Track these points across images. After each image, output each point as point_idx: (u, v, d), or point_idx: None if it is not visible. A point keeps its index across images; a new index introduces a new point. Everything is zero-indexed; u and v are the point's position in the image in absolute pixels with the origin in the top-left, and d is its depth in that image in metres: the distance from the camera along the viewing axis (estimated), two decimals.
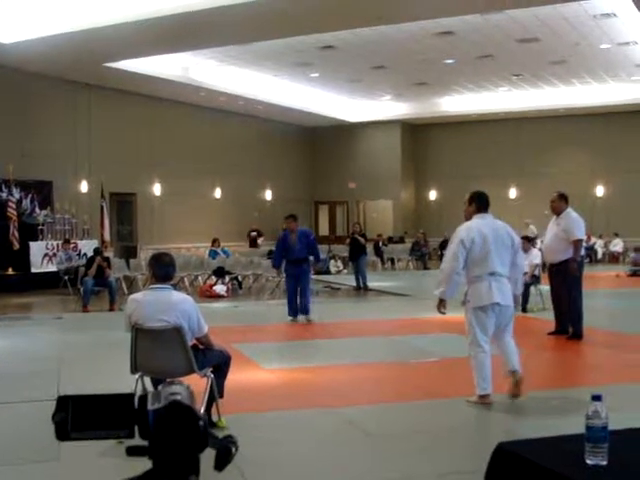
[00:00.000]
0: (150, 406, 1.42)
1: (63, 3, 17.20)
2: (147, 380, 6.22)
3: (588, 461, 2.66)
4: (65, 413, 1.43)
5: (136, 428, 1.43)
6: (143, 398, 1.43)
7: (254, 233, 29.93)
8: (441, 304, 6.97)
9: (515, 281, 7.01)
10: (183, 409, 1.40)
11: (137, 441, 1.52)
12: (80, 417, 1.43)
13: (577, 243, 10.41)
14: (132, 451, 1.43)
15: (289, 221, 13.72)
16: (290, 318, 13.40)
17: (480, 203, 7.10)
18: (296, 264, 13.43)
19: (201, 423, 1.39)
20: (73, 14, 17.45)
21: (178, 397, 1.42)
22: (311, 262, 13.92)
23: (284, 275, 14.59)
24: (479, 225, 6.91)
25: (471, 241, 6.76)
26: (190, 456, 1.40)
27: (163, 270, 6.10)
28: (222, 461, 1.43)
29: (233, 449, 1.46)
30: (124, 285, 18.23)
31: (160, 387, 1.50)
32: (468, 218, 7.11)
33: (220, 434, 1.49)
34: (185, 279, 19.05)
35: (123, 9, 16.90)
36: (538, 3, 17.10)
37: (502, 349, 6.97)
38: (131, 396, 1.45)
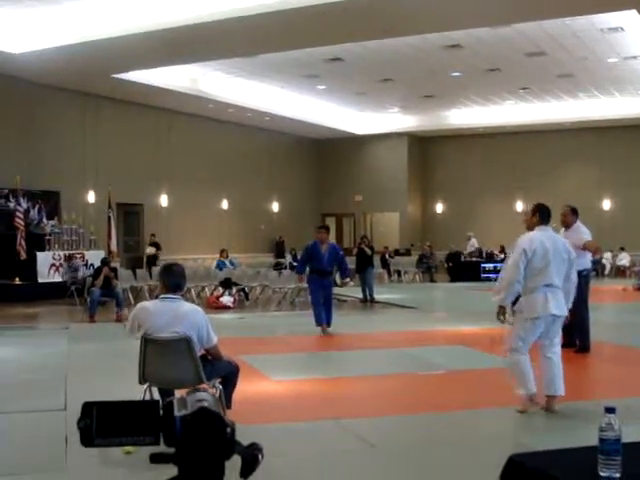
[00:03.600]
0: (177, 413, 1.42)
1: (72, 14, 17.26)
2: (155, 390, 6.22)
3: (601, 473, 2.65)
4: (90, 419, 1.43)
5: (161, 435, 1.43)
6: (169, 405, 1.43)
7: (152, 248, 24.48)
8: (501, 312, 6.99)
9: (567, 294, 7.05)
10: (211, 416, 1.40)
11: (155, 448, 1.52)
12: (105, 423, 1.43)
13: (589, 244, 10.38)
14: (156, 458, 1.42)
15: (322, 232, 13.76)
16: (320, 328, 13.19)
17: (543, 215, 7.18)
18: (323, 275, 13.42)
19: (228, 430, 1.39)
20: (82, 25, 17.53)
21: (205, 404, 1.42)
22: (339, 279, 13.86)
23: (306, 285, 14.53)
24: (541, 237, 6.97)
25: (533, 252, 6.82)
26: (216, 463, 1.40)
27: (174, 280, 6.11)
28: (248, 468, 1.43)
29: (259, 456, 1.46)
30: (131, 296, 18.24)
31: (186, 394, 1.50)
32: (530, 229, 7.21)
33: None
34: (192, 290, 19.05)
35: (132, 20, 16.97)
36: (546, 17, 17.13)
37: (549, 364, 6.99)
38: (156, 403, 1.45)
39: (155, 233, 25.29)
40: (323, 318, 13.30)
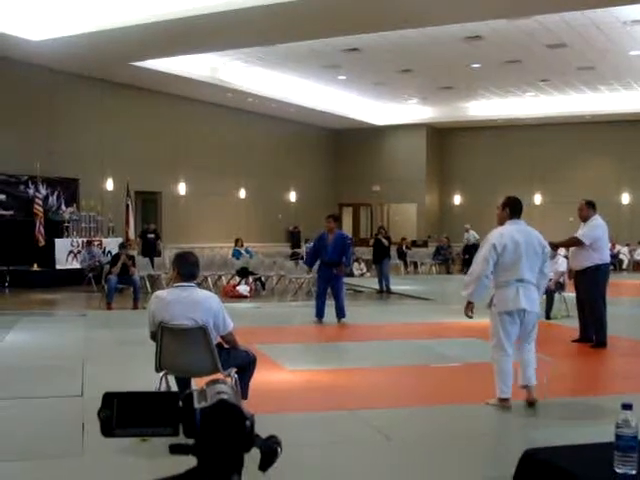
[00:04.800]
0: (197, 404, 1.43)
1: (91, 1, 17.30)
2: (171, 379, 6.25)
3: (617, 470, 2.65)
4: (110, 410, 1.44)
5: (181, 426, 1.44)
6: (189, 396, 1.44)
7: (152, 235, 22.31)
8: (469, 307, 6.99)
9: (538, 287, 7.04)
10: (230, 408, 1.41)
11: (171, 439, 1.53)
12: (125, 414, 1.44)
13: (573, 239, 10.36)
14: (175, 449, 1.43)
15: (328, 221, 13.54)
16: (315, 319, 13.34)
17: (513, 209, 7.13)
18: (329, 266, 13.27)
19: (248, 423, 1.40)
20: (101, 13, 17.55)
21: (225, 396, 1.43)
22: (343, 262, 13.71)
23: (315, 275, 14.48)
24: (511, 231, 6.93)
25: (503, 247, 6.78)
26: (236, 455, 1.41)
27: (188, 268, 6.13)
28: (267, 461, 1.44)
29: (279, 450, 1.47)
30: (148, 284, 18.28)
31: (205, 386, 1.51)
32: (501, 223, 7.13)
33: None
34: (209, 279, 19.10)
35: (151, 8, 16.98)
36: (567, 9, 17.01)
37: (522, 358, 6.98)
38: (176, 394, 1.46)
39: (152, 222, 24.49)
40: (322, 312, 13.33)
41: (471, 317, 7.05)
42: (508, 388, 6.84)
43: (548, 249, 7.16)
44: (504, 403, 6.84)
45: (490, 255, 6.78)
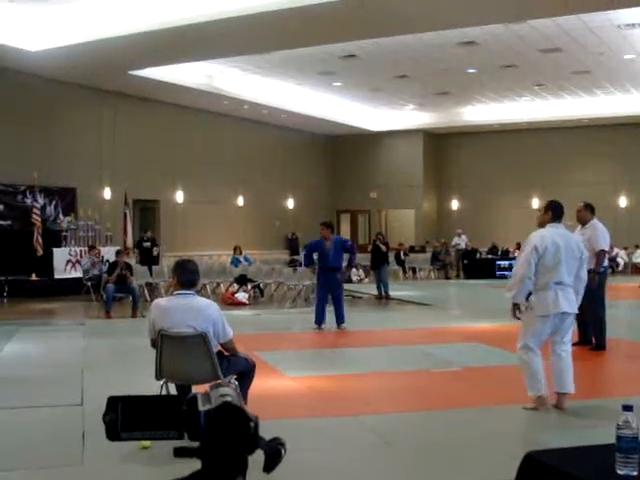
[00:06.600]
0: (201, 407, 1.43)
1: (88, 12, 17.32)
2: (171, 386, 6.25)
3: (619, 471, 2.65)
4: (115, 414, 1.45)
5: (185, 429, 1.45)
6: (193, 399, 1.45)
7: (147, 243, 21.45)
8: (515, 308, 6.99)
9: (576, 293, 7.07)
10: (234, 410, 1.41)
11: (176, 443, 1.53)
12: (130, 418, 1.45)
13: (601, 254, 10.36)
14: (180, 452, 1.44)
15: (323, 229, 13.55)
16: (315, 326, 13.31)
17: (556, 212, 7.15)
18: (330, 272, 13.31)
19: (252, 425, 1.41)
20: (98, 23, 17.58)
21: (229, 398, 1.44)
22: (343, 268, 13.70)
23: (316, 278, 14.49)
24: (552, 234, 6.96)
25: (544, 249, 6.82)
26: (240, 457, 1.42)
27: (188, 276, 6.14)
28: (271, 463, 1.45)
29: (282, 451, 1.48)
30: (146, 292, 18.27)
31: (209, 389, 1.52)
32: (541, 225, 7.16)
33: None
34: (207, 286, 19.09)
35: (148, 18, 17.02)
36: (562, 13, 17.04)
37: (557, 362, 6.99)
38: (181, 398, 1.47)
39: (150, 230, 23.45)
40: (323, 318, 13.33)
41: (519, 318, 7.05)
42: (542, 385, 6.88)
43: (586, 254, 7.19)
44: (541, 401, 6.88)
45: (532, 257, 6.82)
